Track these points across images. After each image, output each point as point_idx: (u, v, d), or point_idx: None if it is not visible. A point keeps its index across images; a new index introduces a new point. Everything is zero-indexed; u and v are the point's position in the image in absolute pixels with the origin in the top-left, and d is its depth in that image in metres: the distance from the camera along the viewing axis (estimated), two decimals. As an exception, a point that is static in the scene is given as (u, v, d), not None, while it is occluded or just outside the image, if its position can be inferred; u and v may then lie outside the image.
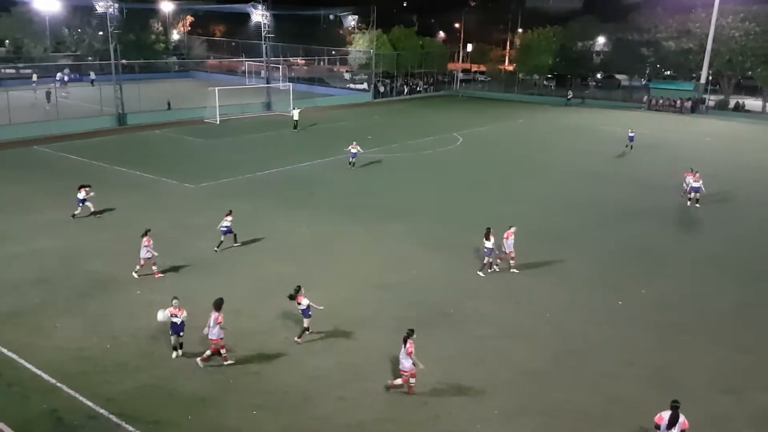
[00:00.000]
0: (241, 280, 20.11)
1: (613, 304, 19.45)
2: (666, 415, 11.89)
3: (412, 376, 14.05)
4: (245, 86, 65.35)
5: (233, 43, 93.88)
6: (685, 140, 50.24)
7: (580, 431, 13.31)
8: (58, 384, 14.03)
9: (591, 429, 13.36)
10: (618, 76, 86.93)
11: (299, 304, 16.20)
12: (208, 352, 15.12)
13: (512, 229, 21.23)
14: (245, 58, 78.77)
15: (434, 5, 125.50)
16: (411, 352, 13.83)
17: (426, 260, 22.56)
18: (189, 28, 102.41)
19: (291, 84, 61.76)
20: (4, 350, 15.35)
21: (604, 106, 71.31)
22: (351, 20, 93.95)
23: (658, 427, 11.96)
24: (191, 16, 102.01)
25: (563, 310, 18.91)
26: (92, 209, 25.96)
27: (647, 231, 26.66)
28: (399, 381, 14.15)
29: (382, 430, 13.15)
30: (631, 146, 43.95)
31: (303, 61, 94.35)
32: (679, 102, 68.01)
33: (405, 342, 13.97)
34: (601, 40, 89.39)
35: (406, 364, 13.91)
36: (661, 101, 69.41)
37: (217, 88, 51.67)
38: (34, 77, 64.67)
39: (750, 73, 70.96)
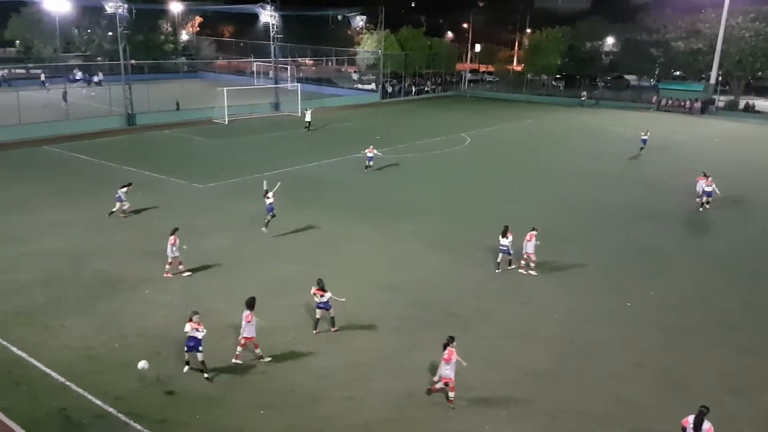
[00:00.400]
0: (248, 280, 20.13)
1: (620, 305, 19.38)
2: (692, 418, 11.87)
3: (452, 389, 13.68)
4: (253, 87, 65.51)
5: (242, 44, 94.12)
6: (695, 141, 49.98)
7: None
8: (67, 383, 14.12)
9: (597, 430, 13.32)
10: (627, 77, 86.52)
11: (321, 296, 16.41)
12: (239, 349, 15.34)
13: (534, 232, 21.14)
14: (254, 58, 78.94)
15: (442, 5, 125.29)
16: (449, 360, 13.51)
17: (433, 260, 22.55)
18: (198, 29, 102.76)
19: (299, 84, 61.87)
20: (14, 349, 15.46)
21: (613, 107, 71.08)
22: (359, 21, 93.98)
23: (684, 429, 11.93)
24: (200, 16, 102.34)
25: (570, 311, 18.86)
26: (124, 207, 26.18)
27: (654, 232, 26.56)
28: (440, 384, 13.84)
29: (389, 430, 13.16)
30: (642, 148, 43.42)
31: (311, 62, 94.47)
32: (688, 103, 67.66)
33: (444, 348, 13.66)
34: (609, 40, 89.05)
35: (445, 371, 13.58)
36: (670, 102, 69.08)
37: (225, 89, 51.84)
38: (42, 77, 65.14)
39: (760, 73, 70.59)
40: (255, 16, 69.08)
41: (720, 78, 70.84)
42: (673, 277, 21.75)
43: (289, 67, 72.06)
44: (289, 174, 34.56)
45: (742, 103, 69.88)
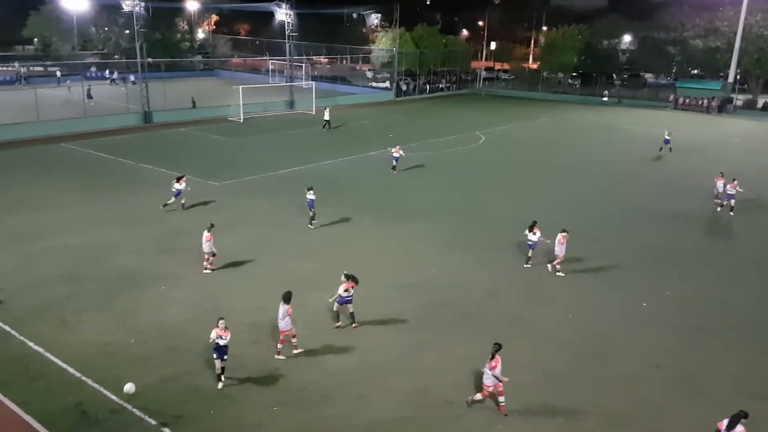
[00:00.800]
0: (264, 278, 20.24)
1: (637, 305, 19.24)
2: (726, 421, 11.84)
3: (500, 394, 13.47)
4: (268, 85, 65.70)
5: (257, 42, 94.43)
6: (713, 140, 49.45)
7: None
8: (83, 378, 14.26)
9: (613, 430, 13.22)
10: (645, 75, 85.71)
11: (347, 290, 16.64)
12: (279, 345, 15.55)
13: (564, 233, 20.93)
14: (269, 56, 79.22)
15: (458, 3, 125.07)
16: (494, 367, 13.26)
17: (448, 259, 22.50)
18: (214, 27, 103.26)
19: (314, 82, 61.98)
20: (31, 344, 15.63)
21: (630, 105, 70.53)
22: (374, 18, 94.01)
23: (718, 431, 11.88)
24: (216, 15, 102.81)
25: (587, 311, 18.75)
26: (183, 200, 26.92)
27: (673, 233, 26.30)
28: (479, 396, 13.72)
29: (402, 428, 13.15)
30: (669, 148, 42.30)
31: (326, 60, 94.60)
32: (705, 101, 66.96)
33: (492, 357, 13.39)
34: (627, 38, 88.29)
35: (488, 380, 13.39)
36: (687, 101, 68.39)
37: (240, 87, 52.03)
38: (58, 74, 65.87)
39: (779, 72, 69.67)
40: (270, 15, 69.35)
41: (738, 76, 69.99)
42: (693, 278, 21.55)
43: (304, 65, 72.22)
44: (305, 172, 34.66)
45: (760, 102, 69.03)
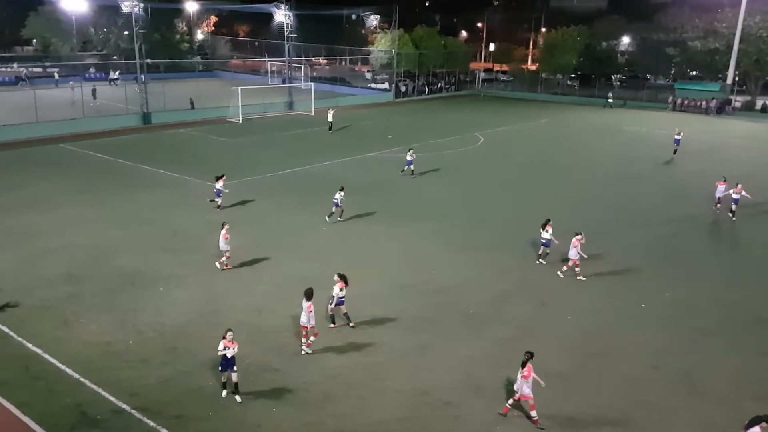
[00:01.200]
0: (264, 278, 20.25)
1: (638, 307, 19.20)
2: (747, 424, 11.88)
3: (532, 408, 13.23)
4: (268, 86, 65.71)
5: (256, 43, 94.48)
6: (712, 142, 49.42)
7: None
8: (83, 378, 14.22)
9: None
10: (649, 77, 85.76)
11: (342, 290, 16.67)
12: (312, 338, 15.76)
13: (578, 237, 20.74)
14: (268, 58, 79.26)
15: (457, 5, 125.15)
16: (528, 377, 13.08)
17: (449, 260, 22.49)
18: (213, 28, 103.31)
19: (313, 84, 61.99)
20: (29, 345, 15.59)
21: (629, 107, 70.51)
22: (373, 20, 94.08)
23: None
24: (215, 16, 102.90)
25: (588, 312, 18.72)
26: (219, 201, 27.32)
27: (675, 234, 26.26)
28: (510, 401, 13.54)
29: (402, 429, 13.13)
30: (675, 150, 41.74)
31: (325, 61, 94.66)
32: (704, 103, 67.01)
33: (523, 366, 13.15)
34: (626, 39, 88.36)
35: (525, 390, 13.15)
36: (686, 102, 68.45)
37: (240, 88, 52.02)
38: (56, 75, 65.92)
39: (778, 74, 69.71)
40: (270, 16, 69.33)
41: (737, 78, 70.07)
42: (694, 279, 21.52)
43: (303, 66, 72.26)
44: (304, 173, 34.67)
45: (759, 104, 69.10)
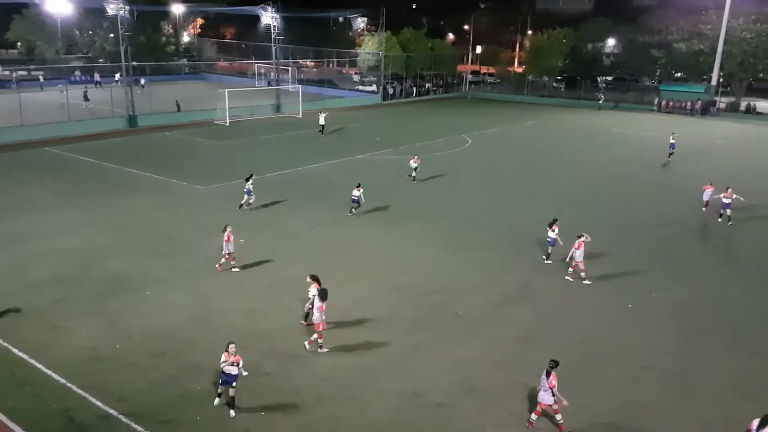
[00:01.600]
0: (253, 281, 20.11)
1: (630, 307, 19.21)
2: (756, 421, 11.85)
3: (556, 412, 13.07)
4: (255, 88, 65.50)
5: (243, 45, 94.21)
6: (698, 144, 49.75)
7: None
8: (70, 383, 14.02)
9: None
10: (641, 78, 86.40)
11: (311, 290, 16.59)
12: (320, 340, 15.79)
13: (582, 239, 20.58)
14: (255, 60, 79.01)
15: (444, 7, 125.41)
16: (554, 386, 12.86)
17: (440, 261, 22.47)
18: (199, 31, 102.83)
19: (300, 86, 61.86)
20: (15, 350, 15.37)
21: (621, 108, 70.54)
22: (360, 22, 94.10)
23: (749, 431, 11.94)
24: (202, 18, 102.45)
25: (582, 313, 18.74)
26: (251, 200, 27.49)
27: (668, 236, 26.28)
28: (534, 417, 13.29)
29: (395, 431, 13.06)
30: (670, 153, 41.42)
31: (312, 63, 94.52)
32: (689, 104, 67.56)
33: (548, 374, 12.96)
34: (611, 41, 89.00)
35: (546, 397, 12.96)
36: (671, 103, 68.98)
37: (226, 90, 51.80)
38: (41, 78, 65.42)
39: (762, 75, 70.44)
40: (256, 18, 69.15)
41: (721, 79, 70.73)
42: (689, 280, 21.56)
43: (290, 68, 72.08)
44: (293, 175, 34.55)
45: (743, 105, 69.79)
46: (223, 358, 13.14)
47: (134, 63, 52.61)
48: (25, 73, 71.23)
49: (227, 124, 50.64)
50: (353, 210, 27.14)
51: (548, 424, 13.34)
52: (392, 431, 13.06)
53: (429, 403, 13.94)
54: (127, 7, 48.65)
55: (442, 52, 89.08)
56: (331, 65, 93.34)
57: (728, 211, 27.43)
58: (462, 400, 14.09)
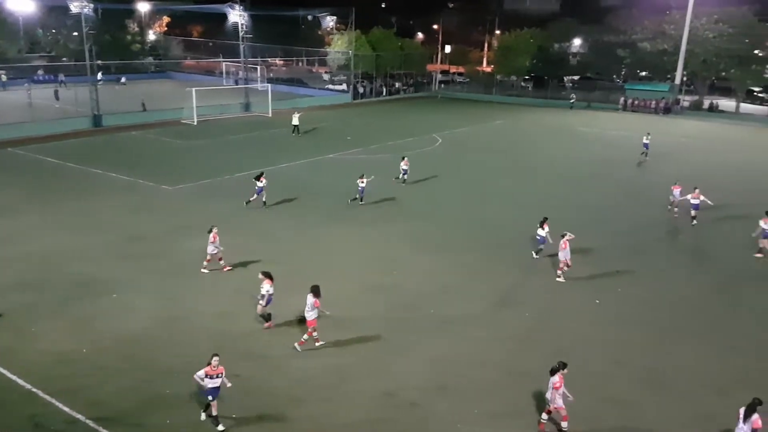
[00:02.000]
0: (225, 282, 19.89)
1: (601, 305, 19.46)
2: (743, 410, 12.13)
3: (564, 418, 12.97)
4: (223, 87, 64.88)
5: (211, 44, 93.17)
6: (662, 141, 50.51)
7: (568, 431, 13.29)
8: (37, 389, 13.71)
9: (578, 428, 13.33)
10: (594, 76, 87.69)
11: (270, 287, 16.59)
12: (305, 336, 15.86)
13: (567, 237, 20.68)
14: (223, 58, 78.20)
15: (413, 7, 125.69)
16: (558, 387, 12.79)
17: (414, 261, 22.49)
18: (166, 29, 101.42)
19: (270, 85, 61.43)
20: (-21, 356, 15.00)
21: (582, 107, 71.56)
22: (329, 21, 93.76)
23: (738, 418, 12.21)
24: (168, 16, 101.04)
25: (551, 311, 18.93)
26: (263, 198, 27.72)
27: (637, 235, 26.60)
28: (545, 416, 13.15)
29: (369, 431, 13.05)
30: (645, 153, 41.53)
31: (282, 62, 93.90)
32: (654, 103, 68.76)
33: (553, 374, 12.89)
34: (578, 41, 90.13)
35: (558, 401, 12.86)
36: (636, 102, 70.09)
37: (194, 89, 51.19)
38: (3, 77, 64.00)
39: (724, 74, 71.98)
40: (224, 16, 68.43)
41: (685, 78, 72.13)
42: (653, 277, 21.88)
43: (259, 67, 71.50)
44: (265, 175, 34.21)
45: (706, 103, 71.30)
46: (201, 373, 12.69)
47: (99, 62, 51.69)
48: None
49: (195, 123, 50.04)
50: (359, 199, 28.64)
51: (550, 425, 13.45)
52: (366, 431, 13.05)
53: (403, 403, 13.95)
54: (92, 5, 47.69)
55: (411, 51, 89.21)
56: (300, 64, 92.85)
57: (693, 212, 27.40)
58: (436, 399, 14.13)
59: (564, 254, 20.65)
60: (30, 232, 23.97)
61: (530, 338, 17.16)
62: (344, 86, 77.18)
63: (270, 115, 56.26)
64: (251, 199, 27.60)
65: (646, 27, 72.34)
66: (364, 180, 28.39)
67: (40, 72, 70.65)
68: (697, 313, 19.23)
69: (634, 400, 14.41)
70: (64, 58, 75.02)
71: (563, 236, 20.81)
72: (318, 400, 13.94)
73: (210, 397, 12.76)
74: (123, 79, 66.50)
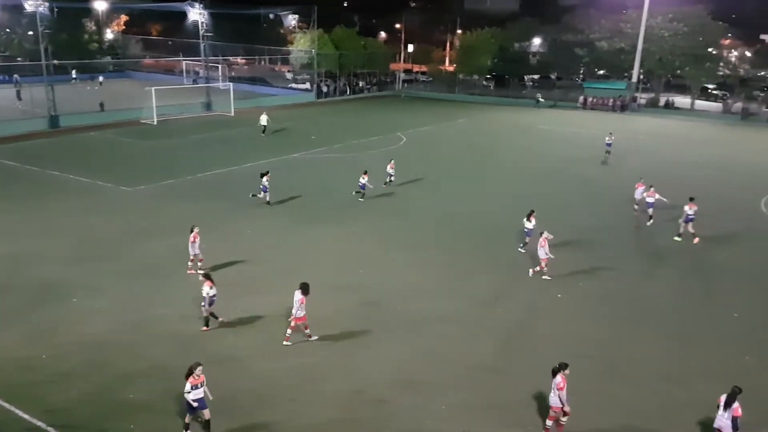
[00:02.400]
0: (187, 284, 19.60)
1: (560, 298, 19.81)
2: (724, 397, 12.35)
3: (566, 414, 12.80)
4: (183, 86, 64.00)
5: (170, 42, 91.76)
6: (619, 138, 51.45)
7: (530, 424, 13.51)
8: (-6, 397, 13.41)
9: (539, 420, 13.55)
10: (553, 76, 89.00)
11: (211, 288, 16.49)
12: (289, 331, 16.01)
13: (545, 236, 20.86)
14: (183, 57, 77.12)
15: (375, 6, 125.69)
16: (562, 388, 12.63)
17: (381, 259, 22.55)
18: (124, 27, 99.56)
19: (231, 84, 60.81)
20: (-67, 364, 14.57)
21: (542, 106, 72.51)
22: (291, 19, 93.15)
23: (718, 406, 12.41)
24: (126, 15, 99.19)
25: (514, 305, 19.18)
26: (267, 197, 27.96)
27: (592, 227, 27.13)
28: (549, 423, 12.98)
29: (336, 430, 13.06)
30: (609, 152, 41.43)
31: (243, 61, 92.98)
32: (611, 101, 70.08)
33: (555, 375, 12.79)
34: (537, 41, 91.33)
35: (554, 399, 12.77)
36: (594, 100, 71.32)
37: (153, 88, 50.39)
38: None
39: (679, 71, 73.77)
40: (184, 14, 67.56)
41: (641, 76, 73.69)
42: (610, 270, 22.28)
43: (220, 66, 70.71)
44: (225, 175, 33.94)
45: (662, 100, 73.03)
46: (187, 387, 12.29)
47: (55, 62, 50.50)
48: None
49: (155, 123, 49.27)
50: (361, 196, 29.59)
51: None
52: (334, 430, 13.06)
53: (370, 400, 14.00)
54: (47, 4, 46.61)
55: (374, 50, 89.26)
56: (263, 63, 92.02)
57: (650, 210, 27.65)
58: (403, 395, 14.20)
59: (541, 252, 20.89)
60: (-15, 236, 23.35)
61: (498, 333, 17.34)
62: (308, 85, 76.88)
63: (232, 114, 55.73)
64: (258, 195, 28.15)
65: (604, 26, 73.75)
66: (367, 176, 29.28)
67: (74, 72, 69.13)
68: (650, 305, 19.64)
69: (595, 391, 14.70)
70: (19, 58, 73.06)
71: (542, 234, 21.10)
72: (285, 400, 13.89)
73: (199, 409, 12.43)
74: (101, 78, 64.79)
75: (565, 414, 12.83)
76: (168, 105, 52.80)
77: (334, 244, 24.02)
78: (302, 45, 79.97)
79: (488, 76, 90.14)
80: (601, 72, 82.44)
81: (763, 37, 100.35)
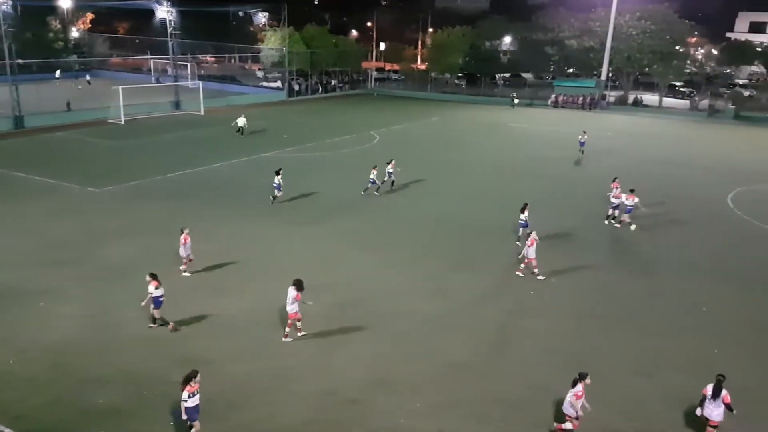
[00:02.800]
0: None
1: (530, 294, 19.94)
2: (710, 387, 12.48)
3: (575, 426, 12.82)
4: (151, 85, 63.08)
5: (137, 41, 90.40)
6: (588, 136, 52.02)
7: (501, 419, 13.55)
8: (-43, 406, 13.02)
9: (511, 416, 13.64)
10: (524, 75, 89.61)
11: (157, 288, 16.34)
12: (287, 329, 16.22)
13: (534, 235, 20.93)
14: (151, 55, 76.04)
15: (346, 4, 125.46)
16: (580, 397, 12.61)
17: (352, 259, 22.45)
18: (90, 26, 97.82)
19: (201, 82, 60.10)
20: None
21: (524, 105, 72.63)
22: (261, 17, 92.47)
23: (704, 397, 12.54)
24: (92, 13, 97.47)
25: (484, 303, 19.25)
26: (278, 195, 28.27)
27: (561, 222, 27.33)
28: (569, 425, 12.87)
29: (309, 431, 12.96)
30: (582, 151, 41.52)
31: (213, 59, 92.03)
32: (581, 99, 70.84)
33: (575, 384, 12.76)
34: (508, 39, 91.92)
35: (569, 409, 12.76)
36: (564, 98, 72.00)
37: (120, 87, 49.54)
38: None
39: (647, 69, 74.81)
40: (151, 12, 66.58)
41: (610, 74, 74.61)
42: (580, 265, 22.52)
43: (189, 64, 69.85)
44: (195, 175, 33.52)
45: (631, 98, 74.03)
46: (185, 395, 12.00)
47: (19, 60, 49.37)
48: None
49: (123, 122, 48.48)
50: (376, 189, 30.48)
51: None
52: (308, 431, 12.94)
53: (344, 401, 13.92)
54: (10, 2, 45.50)
55: (346, 48, 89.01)
56: (233, 61, 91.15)
57: (616, 211, 27.36)
58: (377, 395, 14.16)
59: (530, 251, 20.89)
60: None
61: (474, 332, 17.37)
62: (279, 84, 76.32)
63: (202, 113, 55.11)
64: (277, 195, 28.29)
65: (573, 25, 74.42)
66: (375, 171, 30.22)
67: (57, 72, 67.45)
68: (616, 299, 19.88)
69: (565, 386, 14.75)
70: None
71: (529, 235, 21.24)
72: (258, 403, 13.74)
73: (194, 419, 12.14)
74: (88, 77, 63.26)
75: (574, 425, 12.82)
76: (136, 104, 51.97)
77: (308, 243, 23.85)
78: (273, 43, 79.32)
79: (460, 75, 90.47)
80: (571, 70, 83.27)
81: (729, 35, 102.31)
